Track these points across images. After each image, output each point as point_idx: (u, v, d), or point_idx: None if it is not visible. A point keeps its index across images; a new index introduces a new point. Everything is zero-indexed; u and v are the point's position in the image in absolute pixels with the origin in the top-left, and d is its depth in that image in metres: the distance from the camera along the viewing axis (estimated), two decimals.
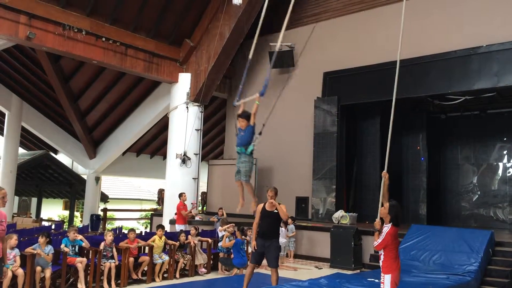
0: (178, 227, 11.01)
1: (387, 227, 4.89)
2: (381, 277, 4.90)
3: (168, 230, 11.35)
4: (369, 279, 7.15)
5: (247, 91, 16.35)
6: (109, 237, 7.70)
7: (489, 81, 10.77)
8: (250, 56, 6.50)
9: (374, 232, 5.08)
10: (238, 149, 5.81)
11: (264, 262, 6.82)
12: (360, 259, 9.97)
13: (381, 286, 4.87)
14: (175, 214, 12.10)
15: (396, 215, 4.91)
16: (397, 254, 4.92)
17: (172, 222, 12.19)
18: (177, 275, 8.48)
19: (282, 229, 10.35)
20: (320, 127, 13.04)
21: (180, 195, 11.60)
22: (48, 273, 6.84)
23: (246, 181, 5.75)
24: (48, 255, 6.92)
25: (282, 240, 10.15)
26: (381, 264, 4.93)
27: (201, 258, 9.00)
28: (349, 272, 9.01)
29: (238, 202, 5.99)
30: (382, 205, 5.12)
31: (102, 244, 7.62)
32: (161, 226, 8.79)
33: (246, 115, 5.81)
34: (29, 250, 6.75)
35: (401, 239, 9.14)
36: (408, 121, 14.00)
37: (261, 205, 6.66)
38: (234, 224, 9.60)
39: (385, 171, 5.44)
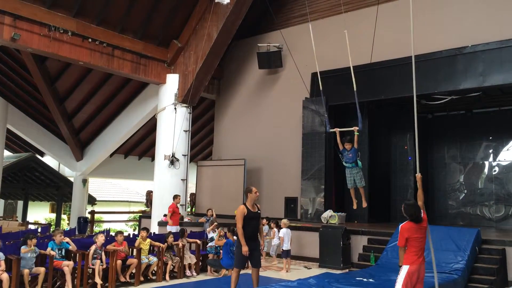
0: (170, 229, 10.97)
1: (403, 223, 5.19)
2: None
3: (157, 232, 11.30)
4: (357, 278, 7.18)
5: (235, 91, 16.40)
6: (100, 238, 7.63)
7: (474, 81, 10.89)
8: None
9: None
10: (349, 165, 8.25)
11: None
12: (349, 259, 10.01)
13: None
14: (164, 215, 12.05)
15: (409, 214, 5.15)
16: (418, 251, 5.06)
17: (161, 224, 12.12)
18: (167, 277, 8.43)
19: (276, 230, 10.29)
20: (309, 127, 13.08)
21: (175, 197, 11.55)
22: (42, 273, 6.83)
23: (362, 185, 8.23)
24: (34, 256, 6.86)
25: (275, 241, 10.10)
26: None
27: (189, 258, 8.96)
28: (338, 272, 9.03)
29: (352, 202, 8.74)
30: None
31: (94, 246, 7.54)
32: (144, 229, 8.74)
33: (350, 140, 8.28)
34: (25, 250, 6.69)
35: (388, 238, 9.23)
36: (395, 121, 14.10)
37: (243, 207, 6.46)
38: (216, 224, 9.61)
39: (418, 173, 5.93)
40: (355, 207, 8.65)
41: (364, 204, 8.50)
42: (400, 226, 5.16)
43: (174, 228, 10.92)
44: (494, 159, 13.67)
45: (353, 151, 8.11)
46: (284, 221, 10.07)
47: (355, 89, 8.66)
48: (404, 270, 5.03)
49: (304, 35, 13.71)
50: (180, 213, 11.71)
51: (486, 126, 13.75)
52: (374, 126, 13.52)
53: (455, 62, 11.16)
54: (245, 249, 6.29)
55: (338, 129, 8.55)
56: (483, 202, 13.54)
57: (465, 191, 14.03)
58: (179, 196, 11.68)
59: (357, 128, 8.11)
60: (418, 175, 5.88)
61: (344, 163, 8.26)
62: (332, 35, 13.55)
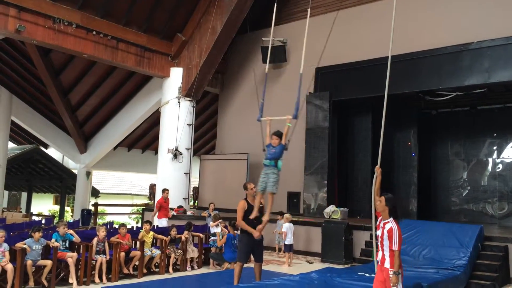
0: (160, 222, 11.03)
1: (391, 223, 4.67)
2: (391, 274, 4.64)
3: (160, 225, 11.36)
4: (359, 273, 7.19)
5: (239, 85, 16.37)
6: (101, 232, 7.66)
7: (480, 77, 10.84)
8: (266, 70, 6.77)
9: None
10: (267, 162, 6.41)
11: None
12: (351, 254, 10.02)
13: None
14: (171, 209, 12.10)
15: (394, 207, 4.78)
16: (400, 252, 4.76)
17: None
18: (170, 270, 8.48)
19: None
20: (312, 123, 13.06)
21: (163, 190, 11.58)
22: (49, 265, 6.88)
23: (272, 191, 6.27)
24: (40, 248, 6.90)
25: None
26: (388, 262, 4.69)
27: (191, 252, 8.99)
28: (340, 267, 9.05)
29: (254, 212, 6.34)
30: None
31: (95, 239, 7.58)
32: (148, 222, 8.78)
33: (280, 134, 6.43)
34: (19, 245, 6.71)
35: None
36: (399, 117, 14.07)
37: (244, 202, 6.51)
38: (221, 220, 9.62)
39: (378, 166, 5.47)
40: (252, 216, 6.36)
41: (266, 217, 6.31)
42: (397, 228, 4.61)
43: (164, 222, 11.00)
44: (498, 156, 13.63)
45: (279, 147, 6.44)
46: (286, 215, 10.05)
47: (301, 71, 7.21)
48: (400, 277, 4.64)
49: (309, 30, 13.64)
50: (168, 207, 11.74)
51: (490, 123, 13.71)
52: (377, 122, 13.51)
53: (460, 58, 11.10)
54: (256, 234, 6.22)
55: (270, 118, 6.88)
56: (486, 199, 13.53)
57: (468, 187, 14.02)
58: (167, 190, 11.69)
59: (290, 117, 6.51)
60: (378, 168, 5.44)
61: (264, 160, 6.54)
62: (336, 30, 13.48)
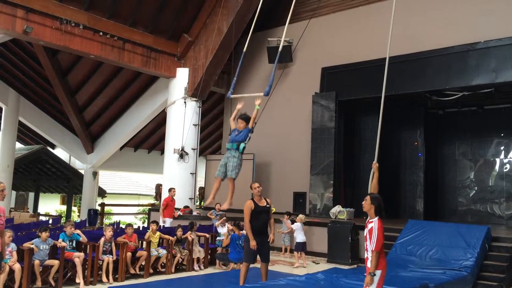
0: (165, 221, 11.07)
1: (374, 223, 4.58)
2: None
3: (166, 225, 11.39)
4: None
5: (245, 85, 16.39)
6: (108, 232, 7.70)
7: (487, 77, 10.78)
8: (245, 49, 6.52)
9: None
10: (229, 145, 5.90)
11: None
12: (357, 254, 9.99)
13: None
14: (177, 209, 12.13)
15: (380, 206, 4.66)
16: (383, 251, 4.67)
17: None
18: (173, 269, 8.50)
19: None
20: (318, 123, 13.04)
21: (169, 190, 11.62)
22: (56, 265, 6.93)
23: (232, 177, 5.80)
24: (47, 248, 6.94)
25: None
26: (369, 262, 4.61)
27: (197, 252, 9.01)
28: (346, 267, 9.04)
29: (210, 197, 6.04)
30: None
31: (102, 239, 7.62)
32: (154, 222, 8.82)
33: (246, 118, 5.97)
34: (27, 245, 6.75)
35: (397, 234, 9.20)
36: (406, 117, 14.02)
37: (250, 202, 6.52)
38: (225, 218, 9.65)
39: (375, 161, 5.42)
40: (208, 202, 6.19)
41: (226, 205, 5.89)
42: (378, 228, 4.49)
43: (168, 221, 11.03)
44: (506, 156, 13.54)
45: (244, 131, 5.87)
46: (301, 216, 10.01)
47: (280, 48, 6.83)
48: (378, 274, 4.52)
49: (315, 30, 13.66)
50: (174, 207, 11.79)
51: (497, 123, 13.62)
52: (384, 121, 13.46)
53: (467, 57, 11.04)
54: (253, 243, 6.31)
55: (241, 95, 6.27)
56: (494, 200, 13.44)
57: (476, 188, 13.93)
58: (174, 189, 11.74)
59: (260, 98, 5.88)
60: (375, 164, 5.40)
61: (227, 143, 6.07)
62: (343, 30, 13.48)
